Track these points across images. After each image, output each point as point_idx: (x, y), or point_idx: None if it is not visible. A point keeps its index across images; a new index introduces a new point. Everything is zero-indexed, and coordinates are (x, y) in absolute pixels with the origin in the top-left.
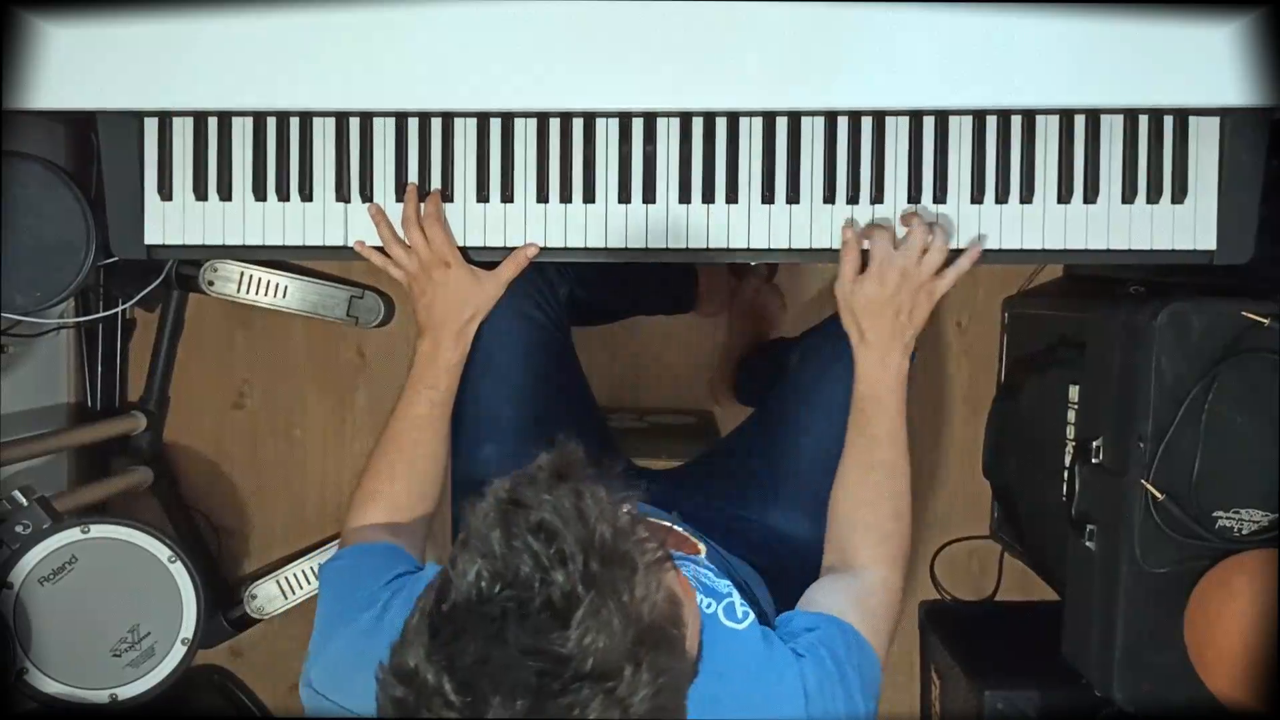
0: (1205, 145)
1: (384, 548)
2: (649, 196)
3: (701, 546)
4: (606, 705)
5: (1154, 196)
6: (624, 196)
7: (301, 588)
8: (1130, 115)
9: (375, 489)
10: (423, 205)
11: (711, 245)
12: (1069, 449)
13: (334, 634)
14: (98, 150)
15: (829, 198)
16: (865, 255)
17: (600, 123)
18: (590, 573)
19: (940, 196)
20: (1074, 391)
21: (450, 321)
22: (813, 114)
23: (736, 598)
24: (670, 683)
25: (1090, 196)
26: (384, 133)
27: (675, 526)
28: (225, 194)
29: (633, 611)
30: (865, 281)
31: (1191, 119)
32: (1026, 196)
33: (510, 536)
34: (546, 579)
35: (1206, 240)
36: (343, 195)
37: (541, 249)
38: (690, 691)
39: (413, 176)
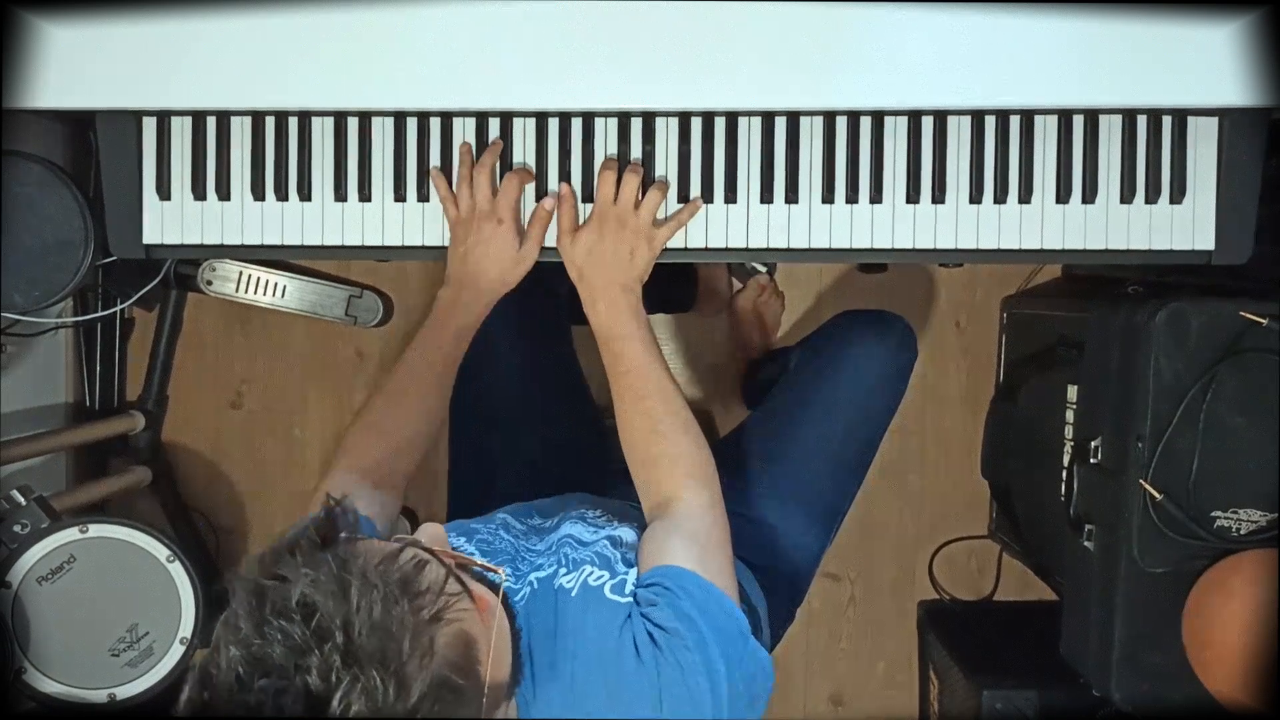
0: (1204, 145)
1: None
2: None
3: (505, 570)
4: None
5: (1152, 196)
6: None
7: None
8: (1129, 115)
9: (361, 437)
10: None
11: (710, 244)
12: (1068, 449)
13: None
14: (96, 150)
15: (828, 197)
16: None
17: (599, 122)
18: (353, 647)
19: (939, 196)
20: (1072, 391)
21: (479, 277)
22: (811, 114)
23: (631, 579)
24: None
25: (1089, 196)
26: (383, 132)
27: (475, 555)
28: (224, 193)
29: (409, 674)
30: (583, 232)
31: (1190, 119)
32: (1025, 196)
33: (264, 620)
34: (301, 663)
35: (1205, 240)
36: (341, 195)
37: (543, 248)
38: (537, 661)
39: (411, 176)
